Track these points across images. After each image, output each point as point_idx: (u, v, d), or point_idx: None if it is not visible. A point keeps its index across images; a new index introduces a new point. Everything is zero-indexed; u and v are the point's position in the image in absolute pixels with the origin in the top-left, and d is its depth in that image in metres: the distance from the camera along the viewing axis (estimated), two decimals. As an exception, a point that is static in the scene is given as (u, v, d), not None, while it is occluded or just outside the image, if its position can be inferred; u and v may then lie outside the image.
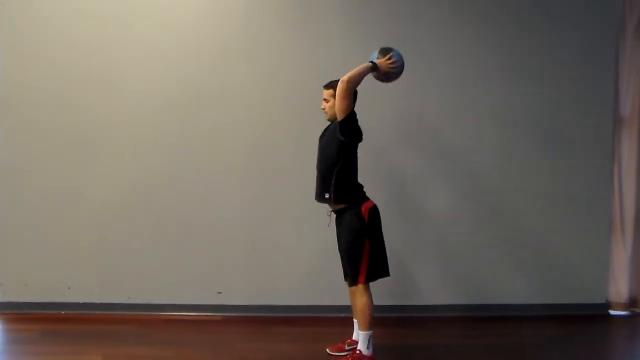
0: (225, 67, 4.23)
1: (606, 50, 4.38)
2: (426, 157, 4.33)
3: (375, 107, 4.22)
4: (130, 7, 4.18)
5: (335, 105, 3.31)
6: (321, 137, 3.51)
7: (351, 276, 3.34)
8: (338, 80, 3.29)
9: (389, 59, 3.35)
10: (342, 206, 3.35)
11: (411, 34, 4.27)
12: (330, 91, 3.37)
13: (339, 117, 3.30)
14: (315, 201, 3.44)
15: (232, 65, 4.24)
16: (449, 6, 4.29)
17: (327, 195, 3.34)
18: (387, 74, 3.39)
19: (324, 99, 3.43)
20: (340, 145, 3.32)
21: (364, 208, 3.31)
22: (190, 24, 4.21)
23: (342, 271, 3.50)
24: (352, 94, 3.29)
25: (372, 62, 3.32)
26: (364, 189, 3.42)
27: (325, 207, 3.45)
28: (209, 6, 4.22)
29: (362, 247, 3.28)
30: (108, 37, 4.18)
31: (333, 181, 3.31)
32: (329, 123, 3.49)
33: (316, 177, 3.44)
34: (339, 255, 3.47)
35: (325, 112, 3.44)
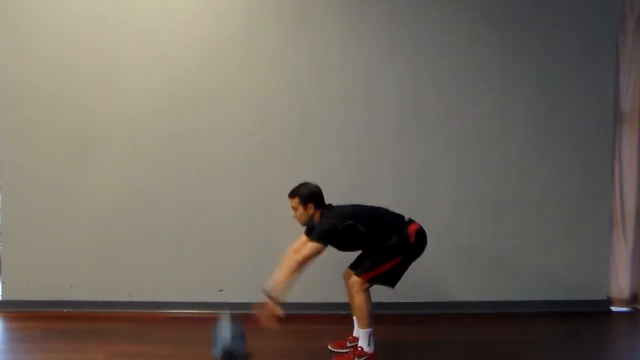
0: (224, 68, 4.24)
1: (606, 46, 4.37)
2: (426, 155, 4.33)
3: (375, 106, 4.23)
4: (130, 8, 4.19)
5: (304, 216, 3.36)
6: None
7: (362, 267, 3.33)
8: (300, 188, 3.37)
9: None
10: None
11: (410, 34, 4.27)
12: (296, 199, 3.37)
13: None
14: None
15: (231, 65, 4.24)
16: (449, 5, 4.29)
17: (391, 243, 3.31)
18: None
19: (292, 207, 3.41)
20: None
21: (411, 229, 3.33)
22: (189, 24, 4.22)
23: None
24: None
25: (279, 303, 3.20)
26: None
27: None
28: (207, 6, 4.23)
29: (391, 258, 3.29)
30: (107, 37, 4.19)
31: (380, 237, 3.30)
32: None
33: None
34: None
35: (299, 220, 3.43)
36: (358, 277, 3.31)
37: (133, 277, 4.27)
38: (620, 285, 4.47)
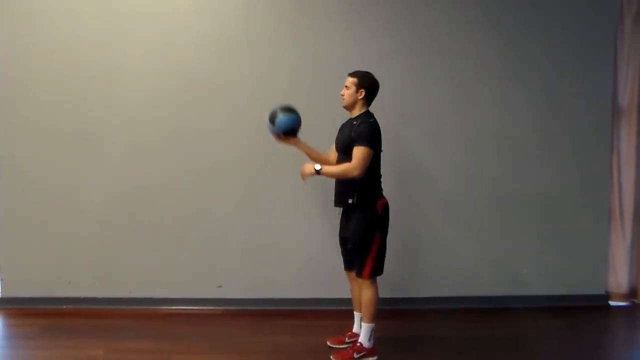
0: (224, 67, 4.23)
1: (605, 44, 4.36)
2: (426, 151, 4.33)
3: (374, 106, 4.22)
4: (128, 5, 4.17)
5: (353, 98, 3.34)
6: (339, 136, 3.45)
7: (357, 268, 3.34)
8: (364, 72, 3.33)
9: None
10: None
11: (410, 34, 4.26)
12: (354, 79, 3.34)
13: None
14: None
15: (231, 64, 4.23)
16: (449, 5, 4.27)
17: (350, 201, 3.31)
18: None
19: (345, 86, 3.38)
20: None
21: (379, 204, 3.32)
22: (188, 22, 4.21)
23: (341, 264, 3.51)
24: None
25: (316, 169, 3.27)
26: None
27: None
28: (207, 3, 4.21)
29: (372, 239, 3.28)
30: (106, 35, 4.18)
31: (357, 187, 3.29)
32: (340, 120, 3.46)
33: (335, 182, 3.41)
34: (340, 248, 3.49)
35: (343, 99, 3.40)
36: (362, 279, 3.32)
37: (132, 274, 4.27)
38: (618, 279, 4.48)
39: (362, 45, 4.25)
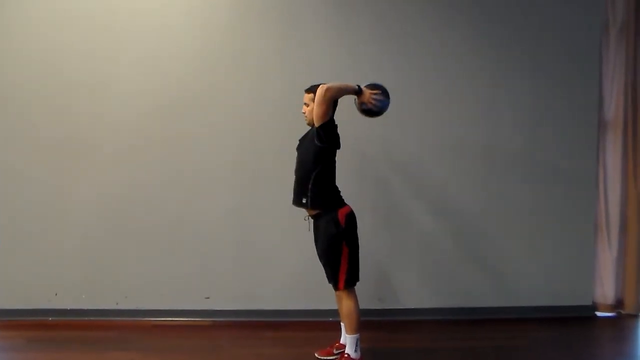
0: (213, 72, 4.25)
1: (590, 55, 4.42)
2: (411, 161, 4.35)
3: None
4: (120, 13, 4.20)
5: (313, 110, 3.31)
6: (300, 143, 3.50)
7: (333, 282, 3.36)
8: (320, 85, 3.29)
9: (375, 93, 3.33)
10: (318, 211, 3.35)
11: (398, 40, 4.30)
12: (311, 95, 3.36)
13: (317, 124, 3.28)
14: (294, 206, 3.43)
15: (221, 70, 4.25)
16: (438, 14, 4.32)
17: (304, 201, 3.34)
18: (366, 107, 3.35)
19: (305, 103, 3.42)
20: (317, 151, 3.29)
21: (341, 213, 3.30)
22: (177, 29, 4.23)
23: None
24: (330, 103, 3.25)
25: (358, 85, 3.31)
26: (342, 194, 3.39)
27: (304, 212, 3.44)
28: (195, 11, 4.24)
29: (340, 252, 3.28)
30: (98, 42, 4.20)
31: (310, 186, 3.31)
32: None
33: (294, 182, 3.43)
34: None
35: (305, 116, 3.43)
36: (339, 291, 3.34)
37: (119, 285, 4.25)
38: (605, 290, 4.51)
39: (348, 52, 4.27)
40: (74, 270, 4.23)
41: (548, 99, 4.40)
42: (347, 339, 3.35)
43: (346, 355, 3.34)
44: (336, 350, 3.57)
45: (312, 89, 3.37)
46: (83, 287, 4.24)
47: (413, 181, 4.36)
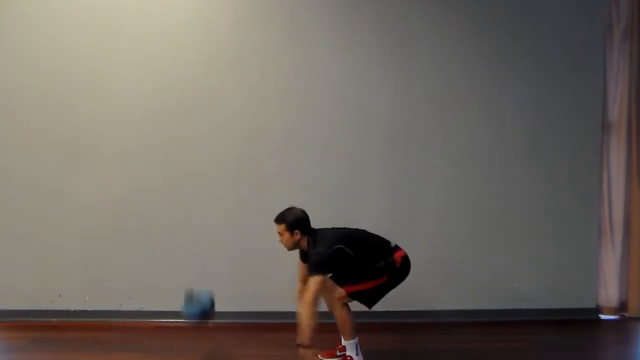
0: (214, 75, 4.26)
1: (594, 56, 4.42)
2: (415, 163, 4.35)
3: (365, 114, 4.25)
4: (120, 14, 4.21)
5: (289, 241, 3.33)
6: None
7: (348, 280, 3.34)
8: (287, 214, 3.30)
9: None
10: None
11: (400, 43, 4.30)
12: (282, 225, 3.32)
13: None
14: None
15: (222, 73, 4.26)
16: (439, 15, 4.33)
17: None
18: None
19: (279, 232, 3.36)
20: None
21: (397, 255, 3.35)
22: (178, 32, 4.24)
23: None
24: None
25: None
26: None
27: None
28: (197, 13, 4.25)
29: (378, 277, 3.31)
30: (98, 44, 4.20)
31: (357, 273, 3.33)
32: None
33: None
34: None
35: (284, 245, 3.40)
36: (341, 288, 3.33)
37: (122, 287, 4.25)
38: (609, 293, 4.50)
39: (350, 53, 4.27)
40: (78, 272, 4.24)
41: (551, 99, 4.39)
42: (347, 345, 3.38)
43: (349, 358, 3.35)
44: (339, 352, 3.57)
45: (282, 220, 3.32)
46: (86, 288, 4.24)
47: (414, 184, 4.35)
